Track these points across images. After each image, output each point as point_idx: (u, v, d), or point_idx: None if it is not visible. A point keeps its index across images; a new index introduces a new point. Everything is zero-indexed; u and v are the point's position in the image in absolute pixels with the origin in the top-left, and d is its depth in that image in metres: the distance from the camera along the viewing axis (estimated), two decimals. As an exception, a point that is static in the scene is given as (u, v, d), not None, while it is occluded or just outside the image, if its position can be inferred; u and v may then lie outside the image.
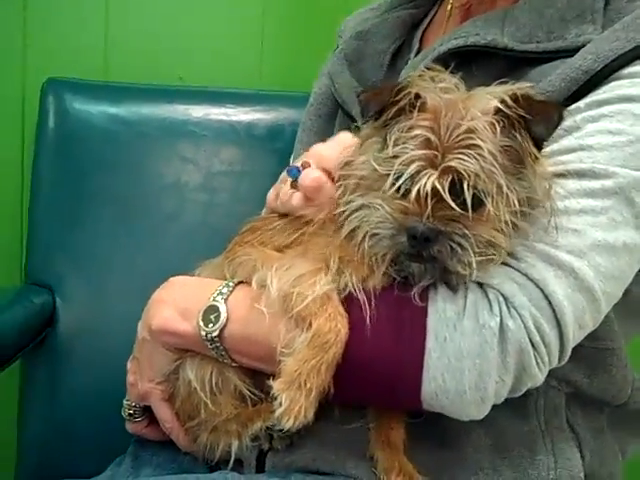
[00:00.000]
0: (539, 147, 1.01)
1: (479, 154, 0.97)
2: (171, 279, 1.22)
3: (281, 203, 1.19)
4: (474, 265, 1.00)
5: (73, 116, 1.92)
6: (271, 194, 1.24)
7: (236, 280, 1.14)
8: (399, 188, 1.00)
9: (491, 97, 1.01)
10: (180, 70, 2.08)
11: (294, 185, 1.18)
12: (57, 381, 1.81)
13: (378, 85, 1.31)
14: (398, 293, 1.05)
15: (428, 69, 1.07)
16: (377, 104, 1.03)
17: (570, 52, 1.15)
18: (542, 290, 1.02)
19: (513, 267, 1.04)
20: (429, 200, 0.97)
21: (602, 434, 1.27)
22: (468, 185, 0.97)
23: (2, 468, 1.94)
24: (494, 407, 1.06)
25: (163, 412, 1.24)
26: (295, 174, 1.18)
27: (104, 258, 1.86)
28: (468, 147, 0.97)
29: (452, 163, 0.97)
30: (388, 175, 1.01)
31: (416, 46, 1.42)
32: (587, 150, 1.08)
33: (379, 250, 1.04)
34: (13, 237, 2.01)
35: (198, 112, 1.97)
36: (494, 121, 0.99)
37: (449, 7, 1.39)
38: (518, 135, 0.99)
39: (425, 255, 0.99)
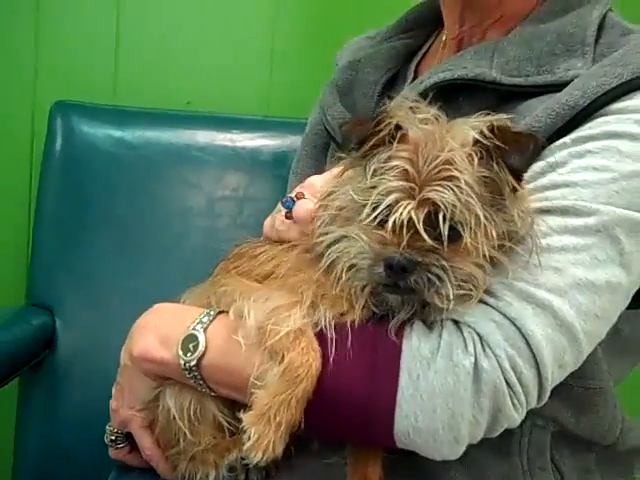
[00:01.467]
0: (518, 178, 1.00)
1: (456, 185, 0.96)
2: (155, 305, 1.21)
3: (277, 234, 1.20)
4: (452, 297, 0.98)
5: (79, 138, 1.94)
6: (267, 223, 1.24)
7: (217, 309, 1.13)
8: (376, 218, 0.99)
9: (469, 128, 1.00)
10: (188, 95, 2.10)
11: (288, 216, 1.18)
12: (55, 402, 1.81)
13: (359, 117, 1.30)
14: (373, 328, 1.04)
15: (407, 99, 1.07)
16: (358, 135, 1.03)
17: (559, 87, 1.14)
18: (519, 329, 1.00)
19: (490, 305, 1.02)
20: (405, 231, 0.97)
21: (589, 474, 1.24)
22: (444, 216, 0.96)
23: (-1, 487, 1.95)
24: (475, 445, 1.04)
25: (143, 439, 1.24)
26: (290, 205, 1.18)
27: (105, 281, 1.88)
28: (445, 179, 0.97)
29: (429, 194, 0.96)
30: (366, 205, 1.00)
31: (410, 77, 1.41)
32: (571, 187, 1.06)
33: (357, 282, 1.03)
34: (19, 258, 2.03)
35: (203, 137, 1.98)
36: (472, 152, 0.98)
37: (444, 38, 1.39)
38: (496, 166, 0.98)
39: (402, 286, 0.98)
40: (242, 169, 1.96)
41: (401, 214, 0.96)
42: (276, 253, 1.15)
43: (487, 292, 1.02)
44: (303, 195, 1.17)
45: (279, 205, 1.23)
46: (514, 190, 1.00)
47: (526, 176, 1.03)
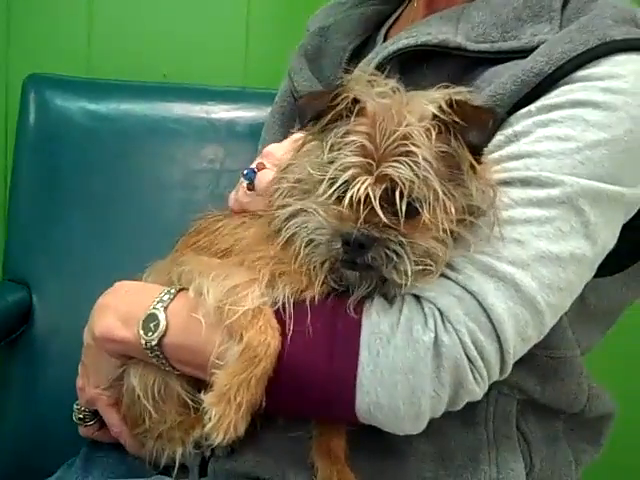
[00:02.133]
0: (477, 154, 0.98)
1: (414, 161, 0.95)
2: (116, 284, 1.20)
3: (240, 205, 1.19)
4: (410, 274, 0.97)
5: (53, 112, 1.90)
6: (232, 196, 1.23)
7: (178, 287, 1.12)
8: (333, 194, 0.99)
9: (428, 102, 0.99)
10: (164, 68, 2.07)
11: (250, 187, 1.17)
12: (33, 378, 1.80)
13: (315, 90, 1.28)
14: (333, 304, 1.03)
15: (365, 72, 1.06)
16: (314, 109, 1.01)
17: (525, 53, 1.12)
18: (480, 303, 0.99)
19: (451, 279, 1.01)
20: (363, 207, 0.95)
21: (556, 441, 1.23)
22: (402, 193, 0.95)
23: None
24: (441, 415, 1.03)
25: (110, 417, 1.23)
26: (250, 176, 1.17)
27: (82, 256, 1.85)
28: (403, 154, 0.95)
29: (387, 170, 0.95)
30: (323, 181, 0.99)
31: (379, 43, 1.37)
32: (534, 157, 1.04)
33: (316, 258, 1.03)
34: (-3, 233, 2.00)
35: (179, 109, 1.94)
36: (430, 127, 0.97)
37: (415, 4, 1.35)
38: (454, 141, 0.97)
39: (359, 262, 0.97)
40: (218, 141, 1.92)
41: (358, 190, 0.95)
42: (235, 228, 1.14)
43: (448, 266, 1.01)
44: (264, 165, 1.16)
45: (241, 177, 1.21)
46: (472, 166, 0.98)
47: (489, 145, 1.01)
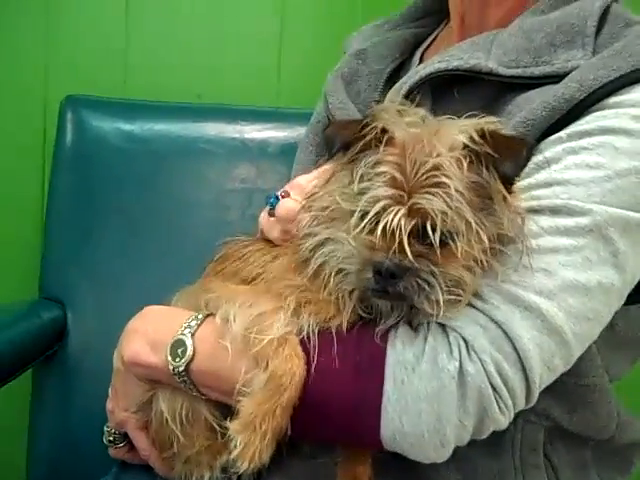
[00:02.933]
0: (509, 183, 0.98)
1: (446, 192, 0.94)
2: (146, 308, 1.20)
3: (262, 231, 1.19)
4: (442, 303, 0.97)
5: (89, 133, 1.92)
6: (261, 216, 1.23)
7: (205, 313, 1.12)
8: (364, 227, 0.98)
9: (458, 132, 0.98)
10: (198, 88, 2.07)
11: (271, 213, 1.17)
12: (66, 394, 1.81)
13: (344, 119, 1.27)
14: (359, 333, 1.03)
15: (394, 102, 1.05)
16: (342, 139, 1.01)
17: (557, 78, 1.11)
18: (506, 333, 0.99)
19: (477, 308, 1.01)
20: (396, 236, 0.95)
21: (585, 470, 1.22)
22: (434, 225, 0.94)
23: (12, 480, 1.96)
24: (467, 443, 1.03)
25: (139, 440, 1.22)
26: (273, 202, 1.18)
27: (116, 274, 1.86)
28: (434, 185, 0.94)
29: (419, 202, 0.94)
30: (354, 212, 0.98)
31: (415, 65, 1.37)
32: (563, 185, 1.04)
33: (346, 286, 1.02)
34: (33, 252, 2.01)
35: (211, 129, 1.95)
36: (461, 157, 0.96)
37: (451, 27, 1.36)
38: (485, 171, 0.96)
39: (391, 292, 0.96)
40: (250, 161, 1.93)
41: (391, 221, 0.94)
42: (262, 256, 1.14)
43: (475, 295, 1.01)
44: (288, 194, 1.16)
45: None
46: (504, 197, 0.98)
47: None
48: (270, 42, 2.07)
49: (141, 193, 1.90)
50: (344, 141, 1.00)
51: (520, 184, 1.03)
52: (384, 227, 0.95)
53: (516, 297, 1.00)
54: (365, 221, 0.97)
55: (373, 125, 0.98)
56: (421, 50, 1.41)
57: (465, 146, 0.96)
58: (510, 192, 0.99)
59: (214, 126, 1.95)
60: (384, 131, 0.98)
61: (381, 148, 0.97)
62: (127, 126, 1.93)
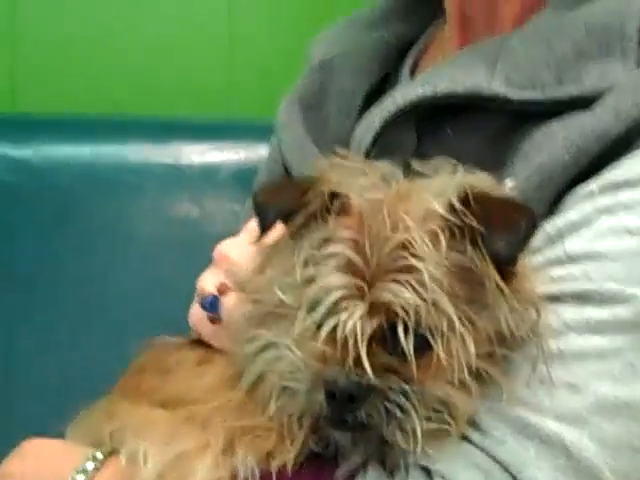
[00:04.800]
0: (504, 265, 0.99)
1: (417, 280, 0.96)
2: (24, 444, 1.22)
3: (201, 336, 1.24)
4: (419, 434, 0.98)
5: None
6: (192, 311, 1.28)
7: (107, 449, 1.13)
8: (312, 329, 1.01)
9: (433, 197, 1.01)
10: (117, 93, 2.14)
11: (215, 320, 1.21)
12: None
13: (277, 181, 1.31)
14: (313, 475, 1.05)
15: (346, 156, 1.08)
16: (278, 209, 1.04)
17: (590, 102, 1.13)
18: (516, 478, 0.99)
19: (474, 443, 1.01)
20: (353, 343, 0.97)
21: None
22: (406, 326, 0.97)
23: None
24: None
25: None
26: (214, 306, 1.22)
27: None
28: (402, 270, 0.97)
29: (382, 295, 0.97)
30: (298, 309, 1.01)
31: (405, 79, 1.39)
32: (595, 260, 1.05)
33: (292, 411, 1.04)
34: None
35: (136, 152, 2.01)
36: (438, 230, 0.99)
37: (447, 27, 1.38)
38: (471, 249, 0.99)
39: (351, 421, 0.98)
40: (191, 195, 1.99)
41: (345, 322, 0.97)
42: (192, 368, 1.18)
43: (471, 424, 1.02)
44: (227, 287, 1.20)
45: (200, 283, 1.26)
46: (502, 282, 0.99)
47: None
48: (217, 26, 2.12)
49: (39, 247, 1.94)
50: (281, 212, 1.03)
51: (534, 260, 1.05)
52: (336, 331, 0.97)
53: (529, 425, 1.00)
54: (310, 322, 1.00)
55: (319, 189, 1.01)
56: (412, 57, 1.43)
57: (442, 216, 0.99)
58: (512, 275, 1.00)
59: (139, 148, 2.01)
60: (334, 196, 1.01)
61: (331, 220, 1.01)
62: (16, 152, 1.98)
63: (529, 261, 1.05)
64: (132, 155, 2.00)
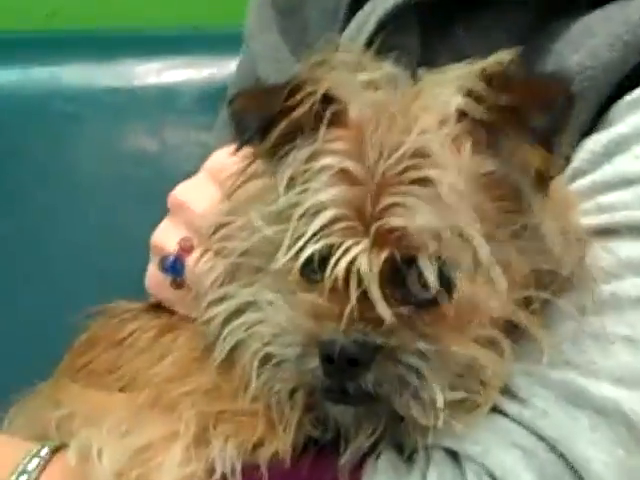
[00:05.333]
0: (549, 152, 0.93)
1: (436, 195, 0.91)
2: None
3: (162, 301, 1.25)
4: (440, 407, 0.94)
5: None
6: (150, 272, 1.28)
7: (55, 444, 1.10)
8: (304, 269, 0.96)
9: (451, 90, 0.97)
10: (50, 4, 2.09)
11: (179, 284, 1.22)
12: None
13: (258, 84, 1.26)
14: (311, 467, 1.01)
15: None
16: (259, 117, 0.99)
17: None
18: (565, 458, 0.95)
19: (510, 417, 0.98)
20: (354, 288, 0.92)
21: None
22: (423, 258, 0.92)
23: None
24: None
25: None
26: (176, 270, 1.22)
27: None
28: (416, 182, 0.92)
29: (390, 221, 0.91)
30: (282, 242, 0.97)
31: None
32: None
33: (280, 387, 1.01)
34: None
35: (77, 74, 1.93)
36: (460, 133, 0.95)
37: None
38: (505, 144, 0.94)
39: (353, 392, 0.94)
40: (147, 126, 1.92)
41: (338, 261, 0.92)
42: (152, 340, 1.18)
43: (505, 391, 0.99)
44: (190, 244, 1.20)
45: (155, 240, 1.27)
46: (543, 182, 0.94)
47: (570, 168, 1.04)
48: None
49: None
50: (262, 121, 0.98)
51: (575, 186, 1.05)
52: (331, 274, 0.92)
53: (578, 391, 0.97)
54: (301, 258, 0.94)
55: (308, 90, 0.96)
56: None
57: (464, 113, 0.95)
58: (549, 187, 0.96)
59: (78, 68, 1.94)
60: (328, 100, 0.96)
61: (322, 129, 0.96)
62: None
63: (568, 185, 1.05)
64: (69, 77, 1.93)
